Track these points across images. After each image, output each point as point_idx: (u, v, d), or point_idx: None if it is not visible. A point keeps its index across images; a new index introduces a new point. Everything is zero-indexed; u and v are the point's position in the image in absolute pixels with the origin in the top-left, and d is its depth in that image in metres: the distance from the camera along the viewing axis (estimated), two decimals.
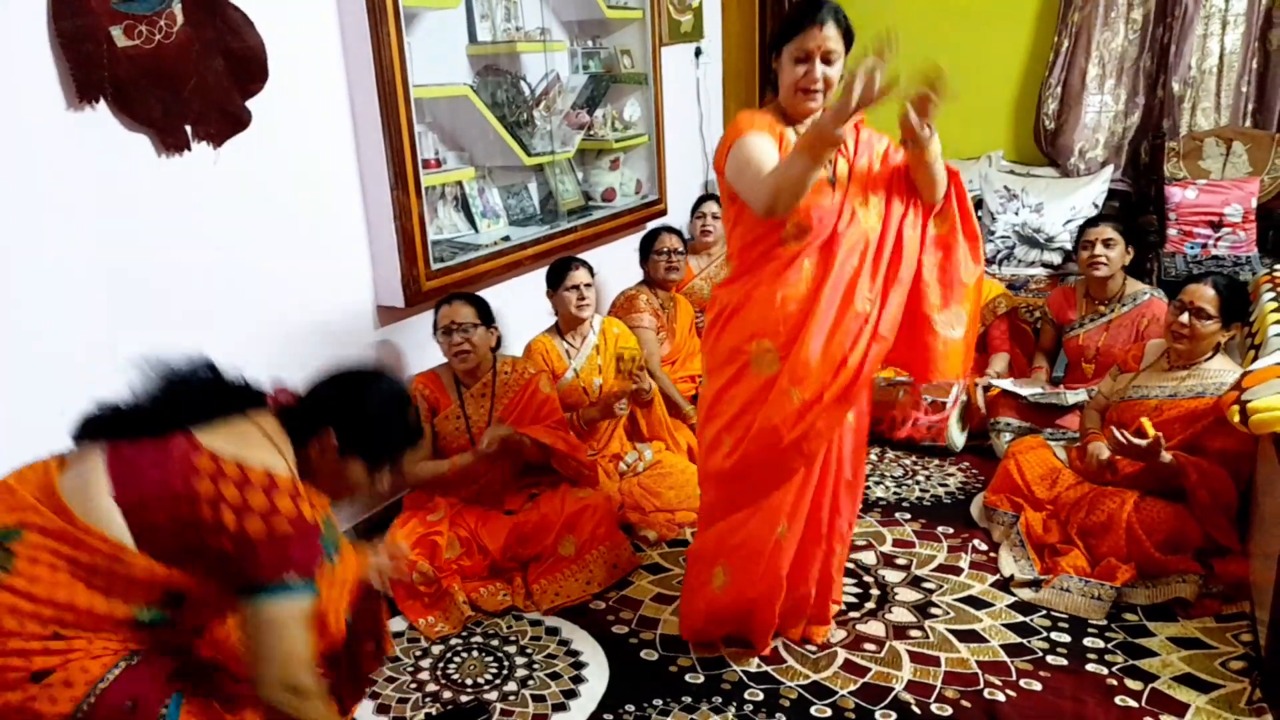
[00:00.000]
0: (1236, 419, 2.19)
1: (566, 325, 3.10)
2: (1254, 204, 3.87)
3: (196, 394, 1.52)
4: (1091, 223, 3.33)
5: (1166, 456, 2.41)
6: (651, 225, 3.79)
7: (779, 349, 2.02)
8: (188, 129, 2.20)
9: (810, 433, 2.01)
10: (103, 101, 2.02)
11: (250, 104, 2.33)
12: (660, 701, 2.12)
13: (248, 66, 2.28)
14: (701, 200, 4.00)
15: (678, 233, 3.61)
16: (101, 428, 1.48)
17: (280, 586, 1.41)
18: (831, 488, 2.18)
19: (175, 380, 1.52)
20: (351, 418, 1.57)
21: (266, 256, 2.47)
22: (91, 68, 1.97)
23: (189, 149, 2.21)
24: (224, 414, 1.51)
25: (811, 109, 2.02)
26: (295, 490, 1.44)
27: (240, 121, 2.30)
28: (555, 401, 2.81)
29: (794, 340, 2.00)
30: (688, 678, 2.20)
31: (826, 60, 1.96)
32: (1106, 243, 3.21)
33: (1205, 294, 2.57)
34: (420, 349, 2.95)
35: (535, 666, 2.27)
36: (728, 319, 2.09)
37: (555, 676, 2.22)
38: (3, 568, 1.33)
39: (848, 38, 1.99)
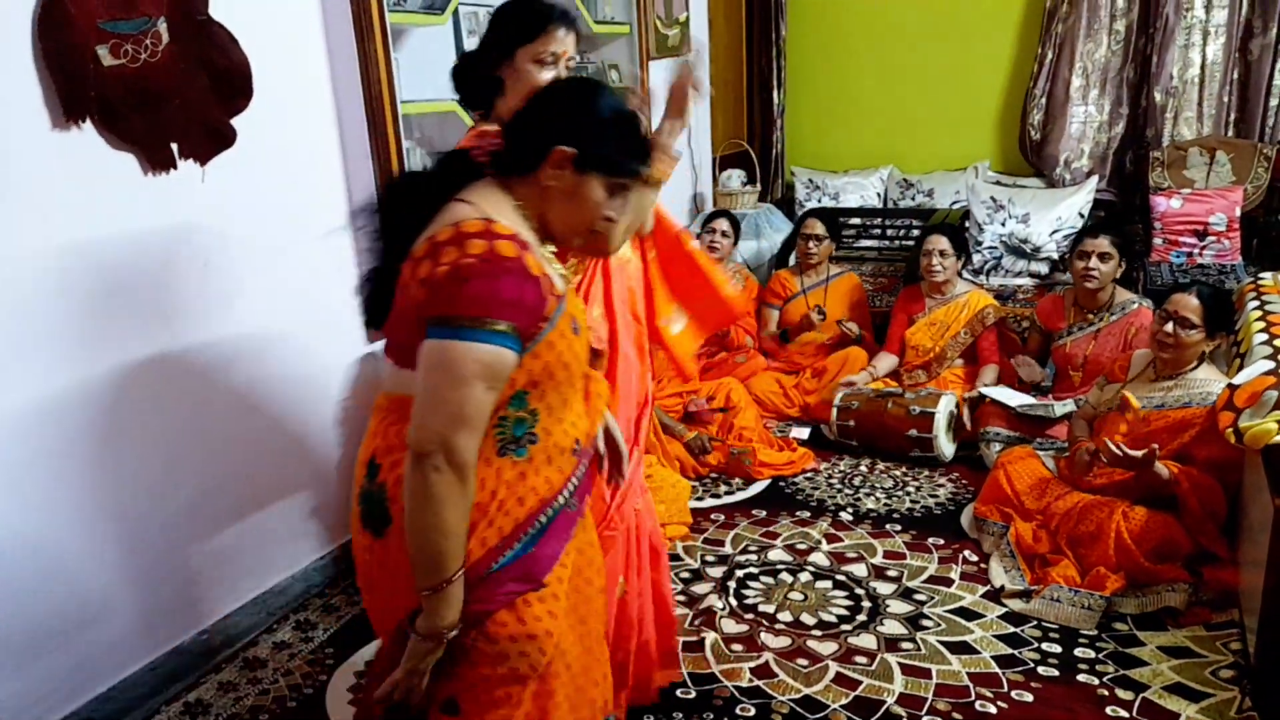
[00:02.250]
0: (1233, 440, 2.20)
1: None
2: (1238, 213, 3.90)
3: (401, 223, 1.34)
4: (1090, 234, 3.33)
5: (1162, 469, 2.43)
6: None
7: None
8: (173, 147, 2.19)
9: (630, 491, 1.86)
10: (89, 120, 2.02)
11: (236, 121, 2.32)
12: (651, 718, 2.11)
13: (232, 84, 2.28)
14: (712, 216, 4.08)
15: None
16: (370, 316, 1.38)
17: (468, 327, 1.18)
18: (644, 504, 2.02)
19: (387, 217, 1.36)
20: (580, 127, 1.32)
21: (252, 274, 2.46)
22: (77, 86, 1.96)
23: (175, 167, 2.20)
24: (430, 216, 1.31)
25: None
26: (517, 238, 1.25)
27: (225, 139, 2.30)
28: None
29: (612, 397, 1.76)
30: (679, 693, 2.19)
31: (567, 66, 1.81)
32: (1102, 256, 3.25)
33: (1189, 303, 2.59)
34: None
35: None
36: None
37: None
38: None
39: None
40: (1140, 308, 3.27)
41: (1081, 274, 3.28)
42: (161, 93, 2.12)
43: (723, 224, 3.98)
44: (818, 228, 4.04)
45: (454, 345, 1.19)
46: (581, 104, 1.35)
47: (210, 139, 2.26)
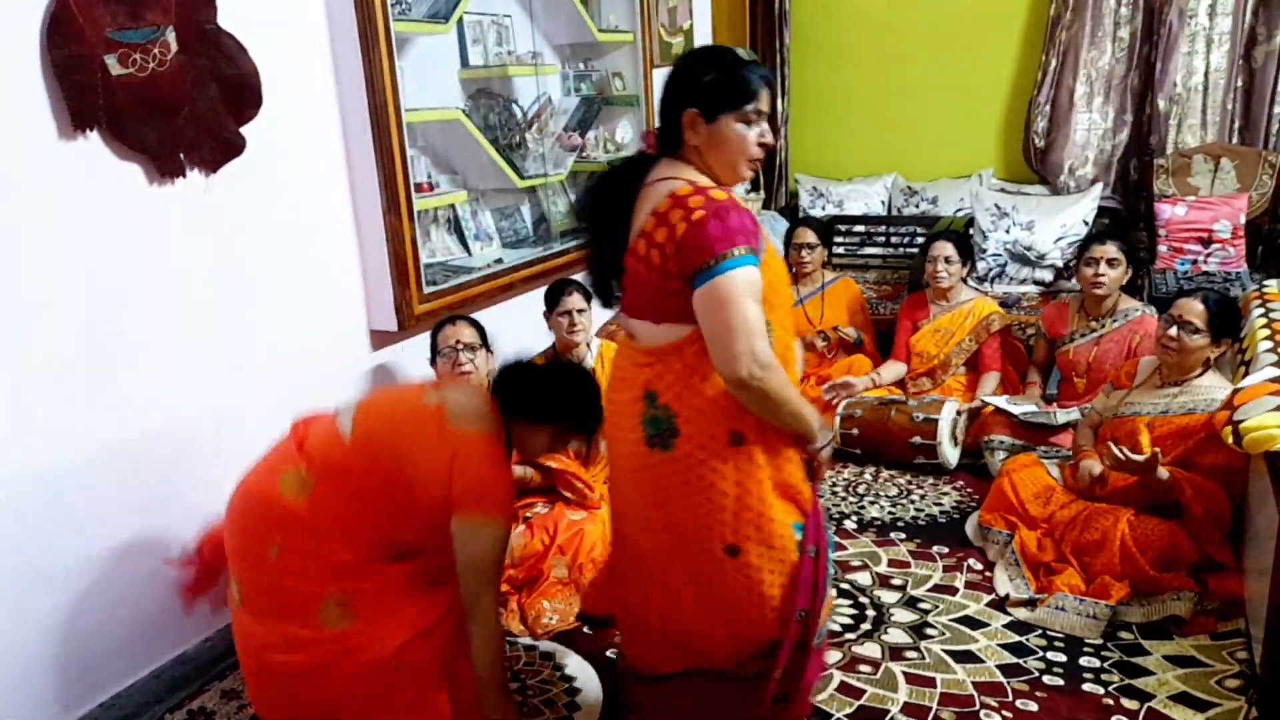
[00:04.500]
0: (1230, 440, 2.19)
1: (562, 348, 3.10)
2: (1243, 220, 3.90)
3: (608, 210, 1.69)
4: (1098, 240, 3.33)
5: (1163, 473, 2.42)
6: None
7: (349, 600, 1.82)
8: (182, 156, 2.20)
9: None
10: (96, 129, 2.02)
11: (244, 130, 2.33)
12: None
13: (242, 93, 2.29)
14: None
15: None
16: (601, 297, 1.84)
17: (723, 260, 1.46)
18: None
19: (596, 206, 1.73)
20: (689, 87, 1.62)
21: (259, 281, 2.47)
22: (86, 96, 1.97)
23: (183, 176, 2.21)
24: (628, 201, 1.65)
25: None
26: (720, 185, 1.59)
27: (234, 148, 2.30)
28: None
29: None
30: None
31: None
32: (1111, 262, 3.23)
33: (1194, 308, 2.58)
34: (414, 373, 2.95)
35: (529, 692, 2.25)
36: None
37: (549, 704, 2.21)
38: None
39: None
40: (1144, 315, 3.27)
41: (1090, 281, 3.28)
42: (171, 102, 2.13)
43: None
44: (809, 236, 4.03)
45: (716, 282, 1.46)
46: (682, 70, 1.65)
47: (220, 148, 2.27)
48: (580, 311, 3.01)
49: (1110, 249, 3.25)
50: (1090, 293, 3.31)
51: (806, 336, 3.96)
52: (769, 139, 1.67)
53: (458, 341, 2.63)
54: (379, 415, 1.87)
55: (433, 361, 2.71)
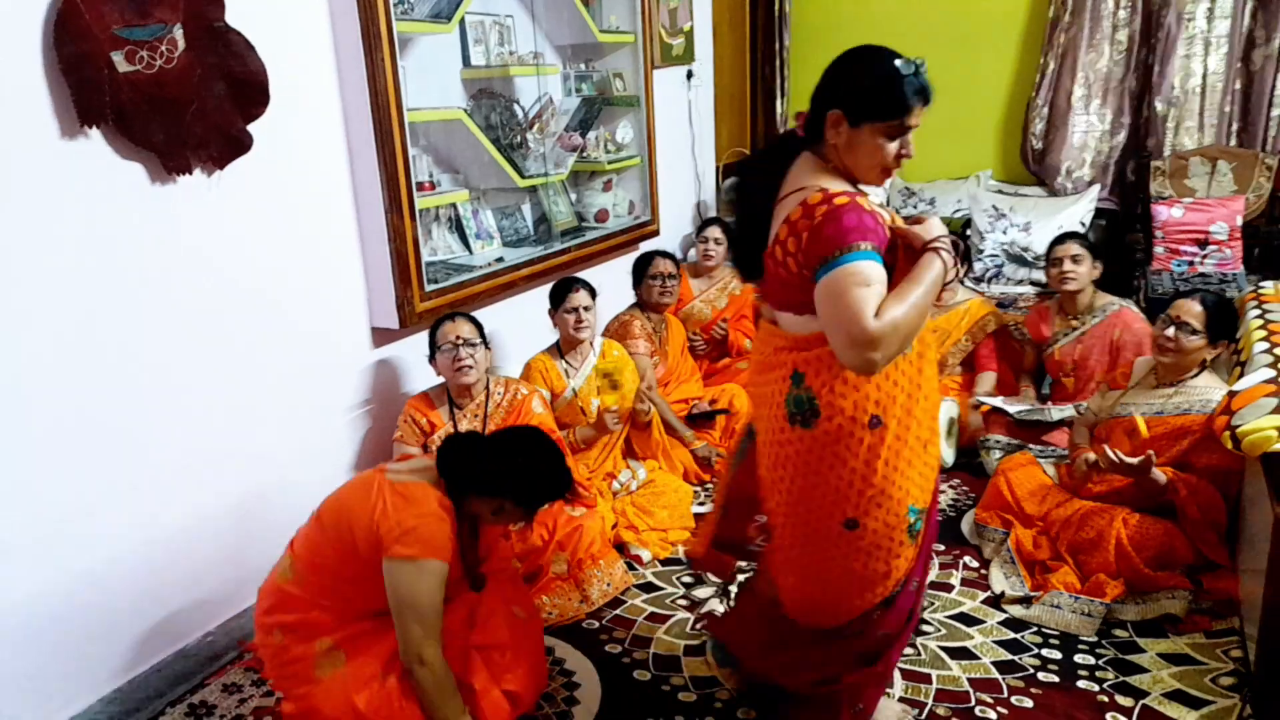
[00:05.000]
0: (1230, 444, 2.21)
1: (566, 345, 3.12)
2: (1239, 222, 3.92)
3: (755, 188, 1.77)
4: (1059, 240, 3.44)
5: (1158, 474, 2.44)
6: (644, 248, 3.83)
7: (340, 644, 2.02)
8: (188, 153, 2.20)
9: None
10: (102, 126, 2.04)
11: (249, 128, 2.34)
12: None
13: (250, 91, 2.29)
14: (705, 224, 4.07)
15: (670, 256, 3.64)
16: (742, 271, 1.86)
17: (838, 257, 1.52)
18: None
19: (745, 184, 1.88)
20: (843, 90, 1.63)
21: (262, 279, 2.49)
22: (93, 93, 1.98)
23: (189, 173, 2.22)
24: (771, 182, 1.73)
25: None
26: (846, 192, 1.60)
27: (242, 145, 2.31)
28: (549, 421, 2.82)
29: None
30: (680, 696, 2.20)
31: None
32: (1075, 259, 3.33)
33: (1192, 309, 2.60)
34: (415, 370, 2.96)
35: None
36: None
37: (548, 698, 2.22)
38: None
39: None
40: (1122, 309, 3.35)
41: (1058, 279, 3.36)
42: (178, 99, 2.14)
43: (715, 231, 3.98)
44: None
45: (831, 274, 1.52)
46: (840, 67, 1.66)
47: (227, 145, 2.28)
48: (586, 309, 3.03)
49: (1072, 246, 3.34)
50: (1062, 290, 3.38)
51: None
52: (909, 152, 1.65)
53: (457, 337, 2.65)
54: (334, 493, 2.07)
55: (432, 359, 2.73)
